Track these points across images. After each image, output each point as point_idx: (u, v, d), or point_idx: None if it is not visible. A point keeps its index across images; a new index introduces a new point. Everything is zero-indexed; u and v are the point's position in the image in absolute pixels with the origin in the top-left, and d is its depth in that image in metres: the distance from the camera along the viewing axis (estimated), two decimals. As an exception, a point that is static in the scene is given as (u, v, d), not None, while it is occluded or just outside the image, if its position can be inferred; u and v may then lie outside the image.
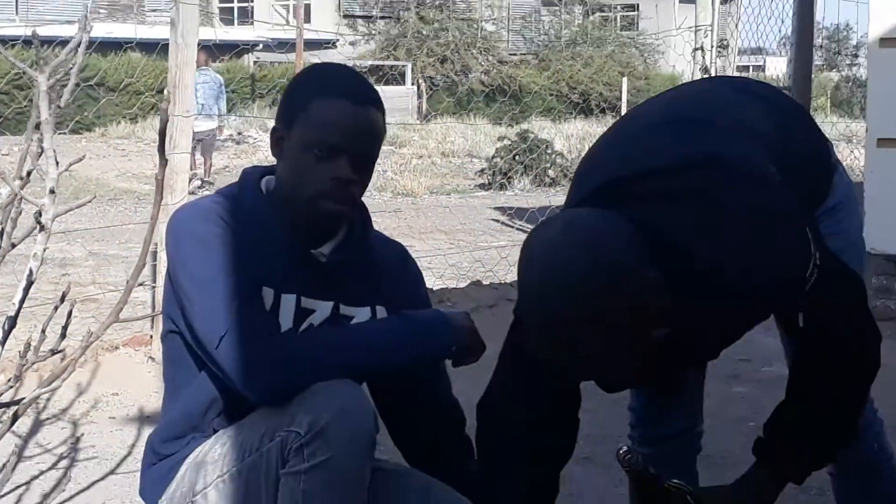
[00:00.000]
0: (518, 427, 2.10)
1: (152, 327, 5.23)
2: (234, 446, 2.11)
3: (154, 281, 5.21)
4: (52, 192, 2.03)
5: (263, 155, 17.50)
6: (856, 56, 26.48)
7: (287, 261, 2.18)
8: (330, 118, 2.12)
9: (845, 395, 2.04)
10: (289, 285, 2.17)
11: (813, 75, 7.04)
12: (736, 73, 9.10)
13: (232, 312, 2.06)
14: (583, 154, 2.25)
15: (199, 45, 5.14)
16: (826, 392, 2.01)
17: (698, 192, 1.92)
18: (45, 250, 2.06)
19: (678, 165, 1.96)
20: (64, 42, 2.14)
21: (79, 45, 2.11)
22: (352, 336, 2.17)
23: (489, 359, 2.26)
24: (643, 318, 1.80)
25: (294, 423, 1.99)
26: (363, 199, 2.26)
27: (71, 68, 2.12)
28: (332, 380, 2.03)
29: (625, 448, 2.01)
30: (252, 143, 20.26)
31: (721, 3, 7.43)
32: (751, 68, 25.65)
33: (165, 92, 4.90)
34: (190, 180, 6.11)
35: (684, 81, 3.07)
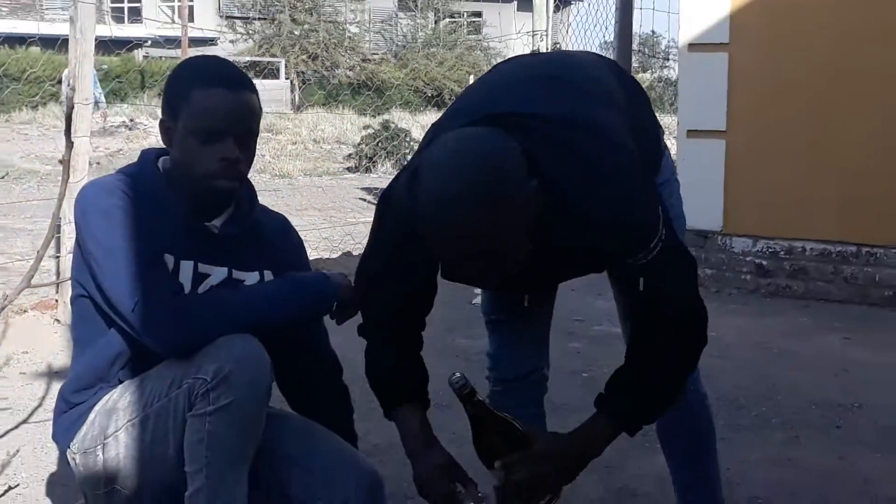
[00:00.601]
0: (392, 296, 2.11)
1: (57, 292, 5.11)
2: (143, 394, 2.08)
3: (58, 251, 5.08)
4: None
5: (154, 139, 17.07)
6: (666, 59, 26.96)
7: (184, 232, 2.15)
8: (211, 105, 2.08)
9: (675, 363, 2.05)
10: (186, 253, 2.14)
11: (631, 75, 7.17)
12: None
13: (139, 276, 2.02)
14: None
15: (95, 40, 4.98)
16: (658, 360, 2.02)
17: (579, 147, 1.91)
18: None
19: (566, 119, 1.95)
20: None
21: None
22: (248, 295, 2.16)
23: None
24: (523, 223, 1.78)
25: (200, 371, 1.97)
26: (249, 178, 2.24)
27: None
28: (233, 334, 2.01)
29: (456, 374, 1.94)
30: (143, 129, 19.76)
31: (554, 12, 7.53)
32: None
33: (71, 81, 4.76)
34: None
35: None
